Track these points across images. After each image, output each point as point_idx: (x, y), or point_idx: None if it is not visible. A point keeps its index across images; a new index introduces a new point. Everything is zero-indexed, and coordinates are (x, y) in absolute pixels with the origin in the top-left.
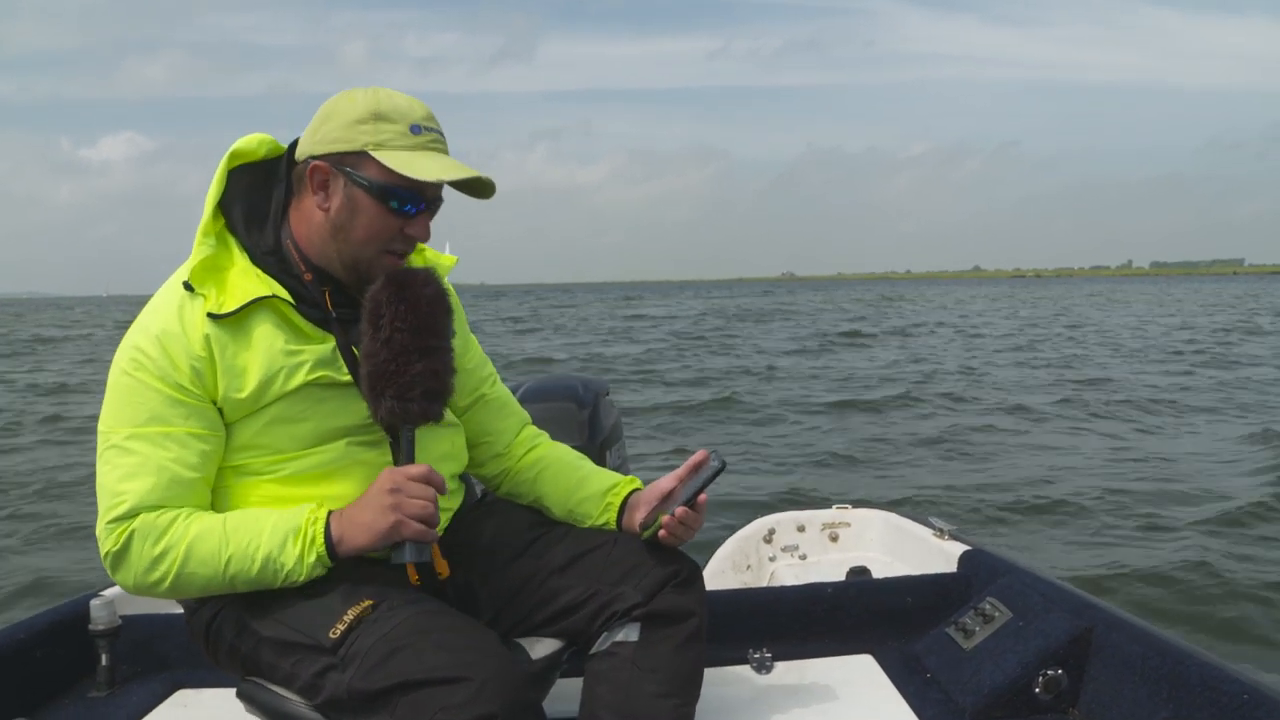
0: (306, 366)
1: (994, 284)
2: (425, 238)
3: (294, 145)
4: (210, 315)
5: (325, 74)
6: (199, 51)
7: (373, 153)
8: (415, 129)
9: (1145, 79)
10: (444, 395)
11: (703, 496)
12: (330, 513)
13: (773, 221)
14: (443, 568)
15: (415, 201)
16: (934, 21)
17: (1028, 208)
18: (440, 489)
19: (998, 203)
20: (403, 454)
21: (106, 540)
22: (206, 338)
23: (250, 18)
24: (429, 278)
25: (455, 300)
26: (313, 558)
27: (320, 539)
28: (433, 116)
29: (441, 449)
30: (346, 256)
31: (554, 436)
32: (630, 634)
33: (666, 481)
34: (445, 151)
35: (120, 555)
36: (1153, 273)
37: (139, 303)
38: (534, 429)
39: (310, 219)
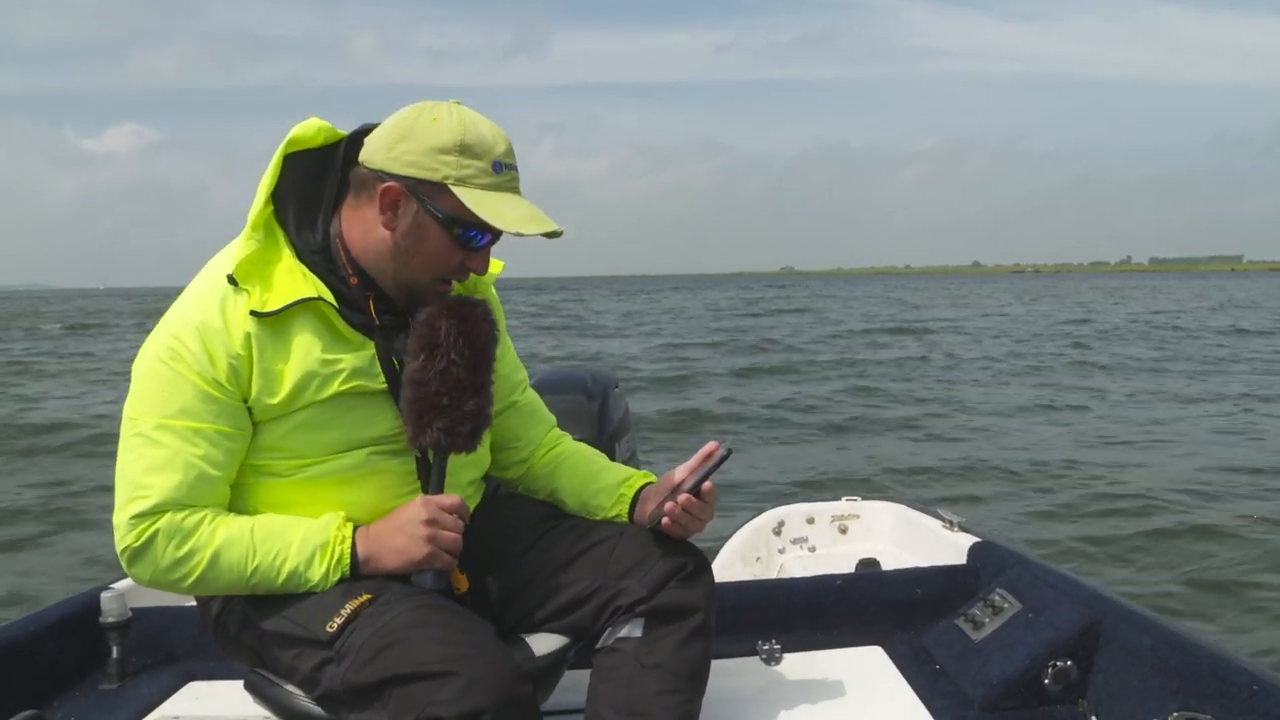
0: (341, 376)
1: (1019, 279)
2: (484, 271)
3: (353, 136)
4: (253, 313)
5: (336, 66)
6: (209, 42)
7: (453, 188)
8: (497, 167)
9: (1151, 74)
10: (485, 429)
11: (708, 485)
12: (356, 528)
13: (773, 216)
14: (461, 583)
15: (482, 237)
16: (941, 15)
17: (1027, 203)
18: (466, 519)
19: (999, 198)
20: (434, 481)
21: (127, 535)
22: (248, 336)
23: (262, 9)
24: (487, 313)
25: (496, 303)
26: (337, 576)
27: (347, 559)
28: (512, 150)
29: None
30: (403, 279)
31: (563, 429)
32: (634, 630)
33: (678, 473)
34: (519, 190)
35: (140, 552)
36: (1152, 269)
37: (137, 295)
38: (558, 430)
39: (370, 231)
